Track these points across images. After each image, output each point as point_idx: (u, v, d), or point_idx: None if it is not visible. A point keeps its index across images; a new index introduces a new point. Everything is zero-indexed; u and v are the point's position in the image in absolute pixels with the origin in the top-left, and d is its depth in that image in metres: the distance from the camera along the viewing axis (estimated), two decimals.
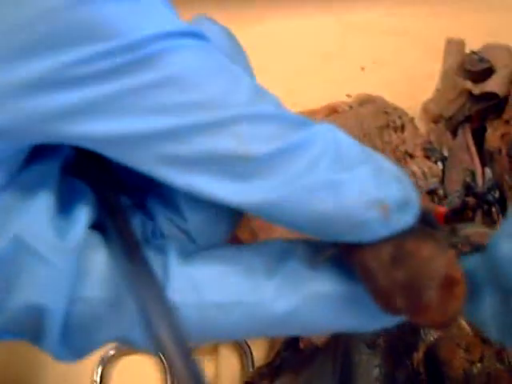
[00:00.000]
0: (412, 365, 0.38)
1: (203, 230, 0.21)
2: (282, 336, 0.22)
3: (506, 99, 0.43)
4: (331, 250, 0.21)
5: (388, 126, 0.44)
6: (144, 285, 0.19)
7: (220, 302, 0.20)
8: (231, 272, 0.21)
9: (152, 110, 0.18)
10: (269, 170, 0.18)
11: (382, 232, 0.19)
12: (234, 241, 0.23)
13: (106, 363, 0.44)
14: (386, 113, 0.44)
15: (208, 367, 0.43)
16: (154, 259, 0.20)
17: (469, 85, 0.43)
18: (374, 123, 0.43)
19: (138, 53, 0.17)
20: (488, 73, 0.43)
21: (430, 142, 0.45)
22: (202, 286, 0.20)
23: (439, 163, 0.43)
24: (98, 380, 0.43)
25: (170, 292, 0.20)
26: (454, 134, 0.45)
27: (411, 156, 0.43)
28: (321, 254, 0.21)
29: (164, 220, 0.21)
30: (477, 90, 0.43)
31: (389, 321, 0.22)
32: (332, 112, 0.45)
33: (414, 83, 0.54)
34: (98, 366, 0.44)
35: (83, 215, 0.20)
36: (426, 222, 0.21)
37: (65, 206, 0.20)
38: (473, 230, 0.23)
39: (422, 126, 0.47)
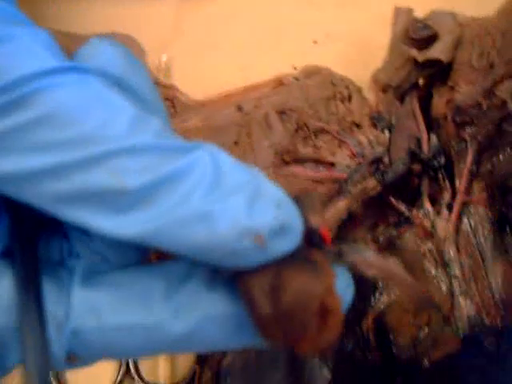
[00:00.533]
0: (361, 332, 0.38)
1: (112, 248, 0.22)
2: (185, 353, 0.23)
3: (451, 65, 0.43)
4: (227, 272, 0.21)
5: (335, 96, 0.44)
6: (27, 317, 0.20)
7: (119, 324, 0.21)
8: (130, 295, 0.21)
9: (30, 149, 0.18)
10: (143, 203, 0.19)
11: (260, 259, 0.20)
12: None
13: None
14: (333, 84, 0.44)
15: None
16: (59, 282, 0.21)
17: (414, 52, 0.43)
18: (320, 94, 0.43)
19: (12, 93, 0.18)
20: (433, 40, 0.43)
21: (379, 112, 0.44)
22: (102, 309, 0.21)
23: (386, 132, 0.43)
24: None
25: (72, 316, 0.20)
26: (403, 102, 0.45)
27: (358, 126, 0.43)
28: (219, 275, 0.21)
29: (76, 240, 0.22)
30: (421, 57, 0.42)
31: None
32: (278, 85, 0.45)
33: (367, 55, 0.53)
34: None
35: None
36: (311, 242, 0.21)
37: None
38: (361, 256, 0.22)
39: (371, 96, 0.47)
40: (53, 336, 0.20)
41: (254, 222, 0.19)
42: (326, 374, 0.37)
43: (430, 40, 0.43)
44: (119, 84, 0.21)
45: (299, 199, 0.21)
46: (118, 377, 0.43)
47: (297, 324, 0.20)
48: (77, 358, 0.21)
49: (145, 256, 0.23)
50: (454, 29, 0.43)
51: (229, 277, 0.21)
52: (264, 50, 0.55)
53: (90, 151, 0.18)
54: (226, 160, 0.20)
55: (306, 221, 0.21)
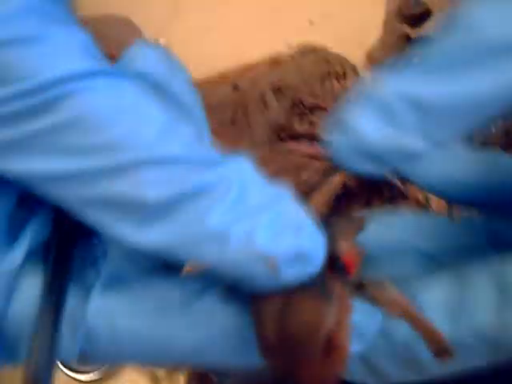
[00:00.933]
0: None
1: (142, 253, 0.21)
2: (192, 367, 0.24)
3: None
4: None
5: (330, 74, 0.44)
6: (44, 313, 0.20)
7: (131, 333, 0.21)
8: (146, 305, 0.21)
9: (56, 152, 0.18)
10: (162, 216, 0.18)
11: (271, 284, 0.19)
12: None
13: None
14: (328, 62, 0.45)
15: None
16: (84, 283, 0.21)
17: (406, 29, 0.43)
18: (315, 72, 0.44)
19: (42, 95, 0.17)
20: (425, 16, 0.44)
21: None
22: (116, 315, 0.21)
23: None
24: None
25: (87, 319, 0.21)
26: None
27: None
28: (234, 289, 0.21)
29: (108, 240, 0.22)
30: (414, 34, 0.43)
31: None
32: (274, 63, 0.45)
33: (362, 34, 0.54)
34: None
35: (27, 241, 0.21)
36: (334, 268, 0.20)
37: (15, 230, 0.21)
38: (384, 292, 0.21)
39: (366, 74, 0.47)
40: (66, 335, 0.20)
41: (267, 247, 0.18)
42: None
43: (422, 17, 0.44)
44: (159, 88, 0.21)
45: (333, 222, 0.21)
46: None
47: (299, 354, 0.19)
48: (87, 357, 0.21)
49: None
50: (445, 5, 0.44)
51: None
52: (260, 31, 0.56)
53: (114, 159, 0.18)
54: (253, 178, 0.19)
55: (333, 245, 0.20)
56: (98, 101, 0.18)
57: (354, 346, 0.20)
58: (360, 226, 0.21)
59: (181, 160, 0.18)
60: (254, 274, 0.19)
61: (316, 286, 0.19)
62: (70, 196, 0.19)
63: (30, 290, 0.21)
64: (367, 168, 0.20)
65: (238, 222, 0.18)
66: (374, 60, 0.46)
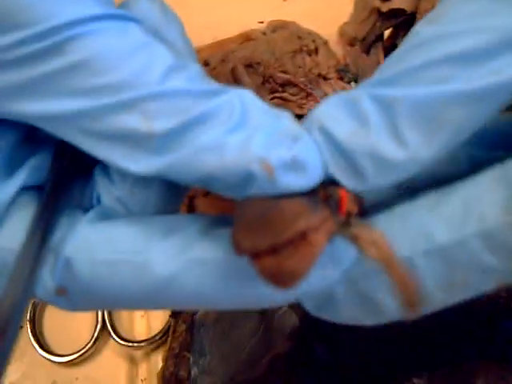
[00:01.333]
0: None
1: (133, 196, 0.22)
2: (168, 305, 0.23)
3: (415, 16, 0.43)
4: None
5: (301, 50, 0.44)
6: (28, 244, 0.21)
7: (109, 260, 0.21)
8: (127, 233, 0.21)
9: (67, 93, 0.19)
10: (170, 146, 0.19)
11: (268, 189, 0.19)
12: None
13: (39, 301, 0.45)
14: (299, 37, 0.44)
15: None
16: (73, 220, 0.22)
17: (377, 3, 0.43)
18: (286, 48, 0.43)
19: (52, 39, 0.19)
20: None
21: (346, 65, 0.45)
22: (96, 244, 0.21)
23: (353, 83, 0.43)
24: (31, 317, 0.44)
25: (68, 247, 0.21)
26: (369, 54, 0.45)
27: (325, 78, 0.43)
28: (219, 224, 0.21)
29: (101, 186, 0.23)
30: (385, 7, 0.43)
31: (274, 299, 0.22)
32: (245, 40, 0.45)
33: (335, 10, 0.53)
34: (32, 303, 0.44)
35: (22, 176, 0.22)
36: (327, 203, 0.20)
37: (14, 167, 0.22)
38: (368, 233, 0.20)
39: (339, 50, 0.47)
40: (46, 268, 0.21)
41: (263, 151, 0.19)
42: (295, 320, 0.37)
43: None
44: (156, 34, 0.21)
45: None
46: (94, 333, 0.43)
47: (268, 234, 0.19)
48: (65, 291, 0.21)
49: (167, 207, 0.23)
50: None
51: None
52: (233, 9, 0.55)
53: (123, 96, 0.19)
54: (254, 103, 0.20)
55: (332, 187, 0.20)
56: (105, 43, 0.19)
57: (329, 268, 0.21)
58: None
59: (184, 92, 0.19)
60: (252, 178, 0.19)
61: (305, 196, 0.20)
62: (78, 133, 0.20)
63: (19, 223, 0.21)
64: (347, 180, 0.20)
65: (238, 134, 0.19)
66: (346, 35, 0.45)
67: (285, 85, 0.42)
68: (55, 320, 0.45)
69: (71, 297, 0.22)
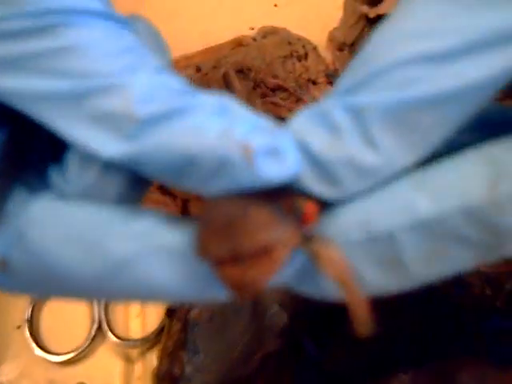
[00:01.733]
0: None
1: (95, 186, 0.21)
2: (117, 293, 0.22)
3: None
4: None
5: (291, 55, 0.45)
6: None
7: (62, 236, 0.20)
8: (85, 211, 0.21)
9: (52, 73, 0.19)
10: (148, 131, 0.19)
11: (247, 179, 0.19)
12: None
13: (37, 301, 0.46)
14: (290, 43, 0.45)
15: None
16: (29, 195, 0.22)
17: (365, 9, 0.44)
18: (277, 53, 0.44)
19: (41, 20, 0.19)
20: None
21: (336, 70, 0.46)
22: (51, 220, 0.21)
23: None
24: (29, 316, 0.45)
25: (21, 220, 0.21)
26: None
27: (314, 83, 0.44)
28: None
29: (62, 171, 0.22)
30: (372, 13, 0.44)
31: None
32: (237, 46, 0.46)
33: (325, 17, 0.54)
34: (30, 303, 0.45)
35: None
36: (293, 215, 0.20)
37: None
38: (328, 251, 0.20)
39: (328, 55, 0.48)
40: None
41: (245, 136, 0.19)
42: (285, 319, 0.38)
43: None
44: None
45: None
46: (90, 333, 0.44)
47: (231, 242, 0.19)
48: (5, 265, 0.21)
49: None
50: None
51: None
52: (225, 15, 0.56)
53: (108, 81, 0.19)
54: (235, 103, 0.20)
55: (300, 198, 0.20)
56: (96, 35, 0.19)
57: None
58: None
59: (171, 86, 0.19)
60: (230, 163, 0.19)
61: (275, 206, 0.19)
62: (56, 112, 0.20)
63: None
64: (325, 191, 0.20)
65: (220, 120, 0.19)
66: (336, 40, 0.46)
67: (275, 89, 0.43)
68: (52, 319, 0.45)
69: (9, 274, 0.21)
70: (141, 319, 0.46)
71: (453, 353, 0.35)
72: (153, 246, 0.20)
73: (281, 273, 0.21)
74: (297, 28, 0.50)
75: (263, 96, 0.43)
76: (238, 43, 0.46)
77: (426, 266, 0.20)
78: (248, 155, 0.19)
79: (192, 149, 0.19)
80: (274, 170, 0.19)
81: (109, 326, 0.45)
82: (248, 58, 0.43)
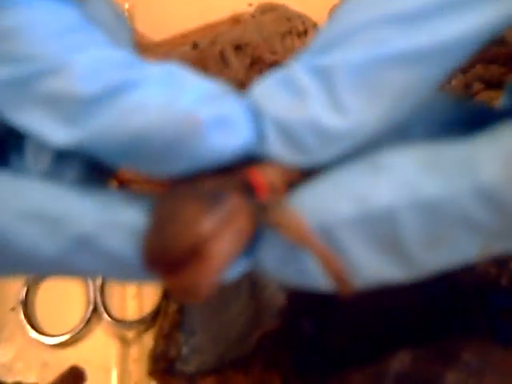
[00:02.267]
0: None
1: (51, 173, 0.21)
2: (77, 270, 0.21)
3: None
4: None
5: (291, 32, 0.44)
6: None
7: (20, 212, 0.19)
8: (44, 187, 0.20)
9: None
10: (94, 110, 0.18)
11: (199, 152, 0.18)
12: None
13: (31, 283, 0.45)
14: (289, 19, 0.44)
15: None
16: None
17: None
18: (275, 30, 0.44)
19: None
20: None
21: None
22: (7, 194, 0.20)
23: None
24: (23, 298, 0.44)
25: None
26: None
27: None
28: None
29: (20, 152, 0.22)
30: None
31: None
32: (235, 22, 0.45)
33: None
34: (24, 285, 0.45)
35: None
36: (243, 188, 0.19)
37: None
38: (284, 215, 0.19)
39: None
40: None
41: (192, 107, 0.18)
42: (283, 299, 0.38)
43: None
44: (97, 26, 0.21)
45: None
46: (86, 314, 0.44)
47: (163, 248, 0.18)
48: None
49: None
50: None
51: None
52: None
53: (48, 62, 0.18)
54: (184, 70, 0.19)
55: (241, 171, 0.19)
56: (38, 16, 0.19)
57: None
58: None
59: (114, 60, 0.19)
60: (179, 137, 0.18)
61: (207, 189, 0.18)
62: (7, 103, 0.19)
63: None
64: (293, 157, 0.19)
65: (165, 92, 0.18)
66: None
67: (273, 66, 0.42)
68: (47, 301, 0.45)
69: None
70: (137, 300, 0.45)
71: (455, 332, 0.34)
72: (112, 221, 0.19)
73: (241, 260, 0.19)
74: (297, 4, 0.49)
75: (261, 72, 0.42)
76: (236, 20, 0.45)
77: (428, 252, 0.19)
78: (196, 127, 0.18)
79: (137, 127, 0.18)
80: (225, 141, 0.18)
81: (105, 307, 0.44)
82: (246, 35, 0.42)
